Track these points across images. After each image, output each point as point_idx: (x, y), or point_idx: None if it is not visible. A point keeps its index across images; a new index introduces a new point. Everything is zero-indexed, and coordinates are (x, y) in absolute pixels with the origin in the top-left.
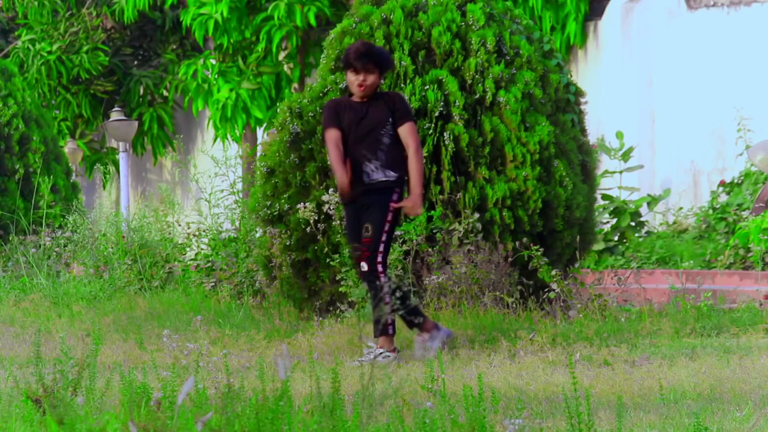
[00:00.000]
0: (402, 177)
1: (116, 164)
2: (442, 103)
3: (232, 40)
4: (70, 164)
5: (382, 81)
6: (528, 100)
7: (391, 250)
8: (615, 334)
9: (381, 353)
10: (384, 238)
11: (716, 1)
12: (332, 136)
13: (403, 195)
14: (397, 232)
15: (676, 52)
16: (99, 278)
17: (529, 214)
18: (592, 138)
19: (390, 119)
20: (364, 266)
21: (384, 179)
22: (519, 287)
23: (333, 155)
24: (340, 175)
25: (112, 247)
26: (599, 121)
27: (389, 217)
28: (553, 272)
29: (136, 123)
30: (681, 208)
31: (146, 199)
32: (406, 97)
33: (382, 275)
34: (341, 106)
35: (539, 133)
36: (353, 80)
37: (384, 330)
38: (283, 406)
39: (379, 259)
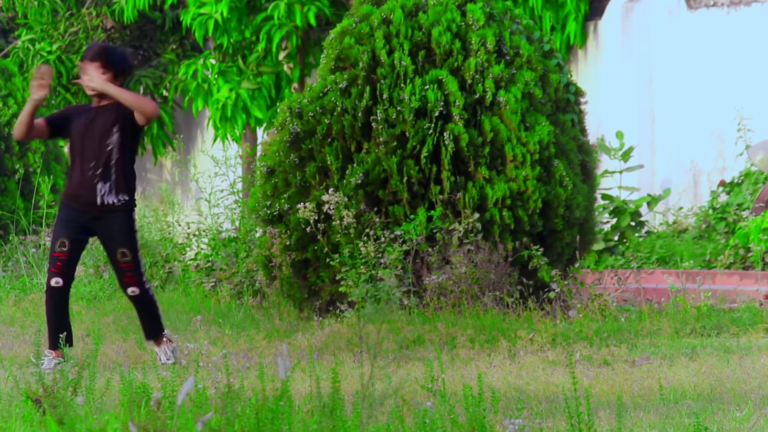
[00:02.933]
0: (133, 197)
1: None
2: (442, 103)
3: (232, 40)
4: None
5: (107, 78)
6: (528, 100)
7: (391, 250)
8: (615, 334)
9: (171, 353)
10: (139, 256)
11: (716, 1)
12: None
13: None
14: (397, 232)
15: (676, 52)
16: (99, 278)
17: (529, 214)
18: (592, 138)
19: (117, 125)
20: (135, 290)
21: (118, 203)
22: (519, 287)
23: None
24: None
25: None
26: (599, 121)
27: (137, 236)
28: (553, 272)
29: None
30: (681, 208)
31: (146, 198)
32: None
33: (150, 289)
34: (78, 111)
35: (539, 133)
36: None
37: (161, 337)
38: (283, 406)
39: (144, 278)
